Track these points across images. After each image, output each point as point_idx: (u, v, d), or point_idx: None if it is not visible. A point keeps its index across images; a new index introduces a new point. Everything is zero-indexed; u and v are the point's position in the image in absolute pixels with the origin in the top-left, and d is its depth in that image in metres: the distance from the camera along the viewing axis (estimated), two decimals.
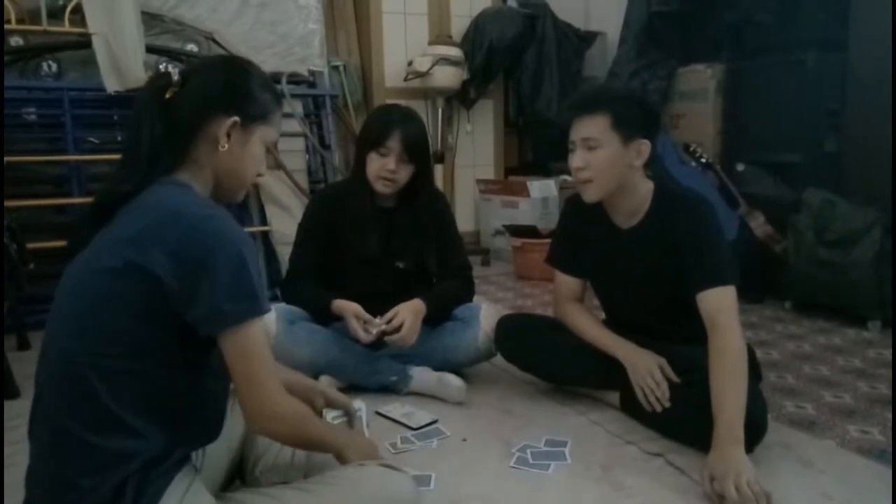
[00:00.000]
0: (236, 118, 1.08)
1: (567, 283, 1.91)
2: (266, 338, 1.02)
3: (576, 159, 1.67)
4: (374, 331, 1.88)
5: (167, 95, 1.06)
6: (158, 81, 1.08)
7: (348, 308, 1.91)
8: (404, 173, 1.96)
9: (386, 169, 1.93)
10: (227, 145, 1.08)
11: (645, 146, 1.65)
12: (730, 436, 1.41)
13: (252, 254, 1.00)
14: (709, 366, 1.51)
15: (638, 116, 1.64)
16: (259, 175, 1.18)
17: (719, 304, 1.57)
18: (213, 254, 0.95)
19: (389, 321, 1.89)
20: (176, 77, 1.07)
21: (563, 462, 1.58)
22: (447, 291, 2.08)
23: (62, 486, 0.95)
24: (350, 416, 1.40)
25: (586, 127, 1.64)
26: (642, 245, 1.72)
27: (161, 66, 3.31)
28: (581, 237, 1.85)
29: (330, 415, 1.37)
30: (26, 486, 1.01)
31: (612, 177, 1.66)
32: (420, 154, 1.98)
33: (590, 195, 1.70)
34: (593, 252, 1.83)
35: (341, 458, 1.19)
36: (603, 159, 1.63)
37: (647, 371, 1.67)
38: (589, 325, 1.85)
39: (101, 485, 0.94)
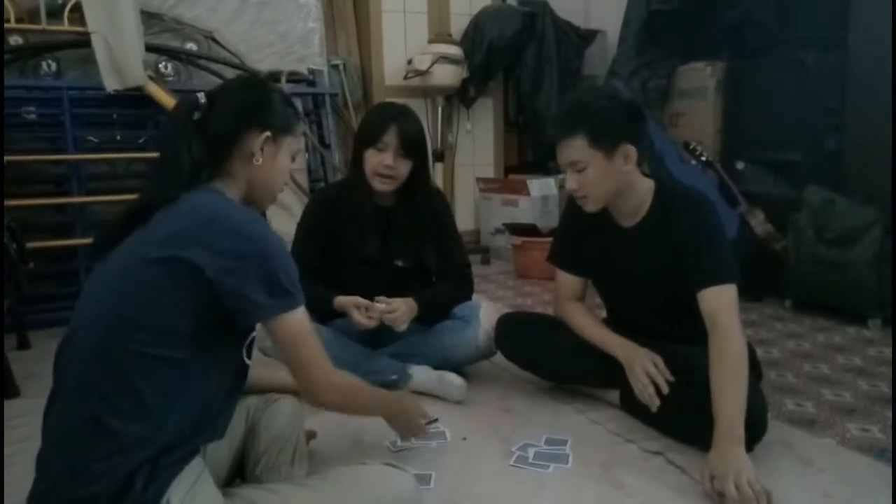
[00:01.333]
0: (268, 133, 1.17)
1: (568, 281, 1.91)
2: (307, 325, 1.12)
3: (569, 182, 1.68)
4: (376, 314, 1.89)
5: (195, 117, 1.15)
6: (188, 104, 1.16)
7: (348, 300, 1.91)
8: (402, 169, 1.96)
9: (384, 164, 1.93)
10: (261, 159, 1.17)
11: (630, 150, 1.63)
12: (730, 435, 1.41)
13: (284, 253, 1.09)
14: (709, 365, 1.52)
15: (614, 125, 1.62)
16: (286, 184, 1.27)
17: (719, 303, 1.57)
18: (255, 252, 1.04)
19: (388, 304, 1.91)
20: (203, 100, 1.16)
21: (564, 460, 1.58)
22: (441, 293, 2.08)
23: (76, 471, 0.97)
24: None
25: (568, 151, 1.64)
26: (644, 244, 1.72)
27: (161, 66, 3.31)
28: (582, 236, 1.85)
29: None
30: (37, 470, 1.02)
31: (607, 188, 1.66)
32: (417, 149, 1.97)
33: (590, 207, 1.71)
34: (594, 250, 1.83)
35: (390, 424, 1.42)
36: (593, 177, 1.63)
37: (643, 367, 1.67)
38: (588, 323, 1.85)
39: (114, 471, 0.96)
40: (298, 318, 1.11)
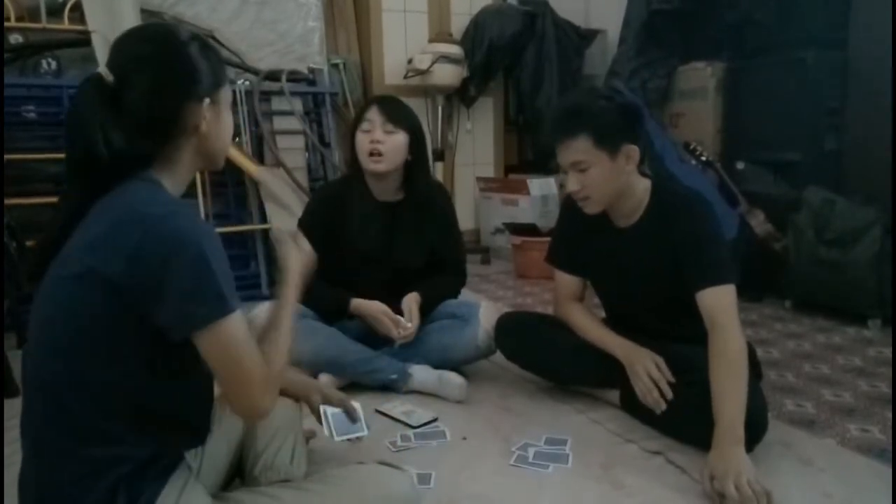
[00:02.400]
0: (207, 98, 1.02)
1: (567, 282, 1.91)
2: (244, 333, 0.96)
3: (570, 183, 1.67)
4: (404, 332, 1.95)
5: (103, 100, 0.96)
6: (93, 86, 0.97)
7: (375, 307, 1.97)
8: (391, 144, 1.98)
9: (371, 141, 1.96)
10: (206, 126, 1.03)
11: (633, 150, 1.64)
12: (730, 435, 1.41)
13: (216, 249, 0.94)
14: (709, 365, 1.52)
15: (618, 124, 1.62)
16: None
17: (718, 303, 1.57)
18: (173, 256, 0.89)
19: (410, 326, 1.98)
20: (110, 77, 0.97)
21: (564, 460, 1.58)
22: (440, 288, 2.12)
23: (50, 494, 0.94)
24: (348, 412, 1.39)
25: (571, 152, 1.63)
26: (641, 244, 1.72)
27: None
28: (580, 236, 1.85)
29: (329, 411, 1.37)
30: (19, 491, 0.99)
31: (610, 189, 1.66)
32: (404, 123, 2.00)
33: (592, 209, 1.70)
34: (592, 251, 1.83)
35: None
36: (596, 177, 1.63)
37: (645, 369, 1.67)
38: (588, 323, 1.85)
39: (88, 492, 0.92)
40: (236, 325, 0.94)
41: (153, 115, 0.98)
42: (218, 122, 1.06)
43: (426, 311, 2.06)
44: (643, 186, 1.73)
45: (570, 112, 1.65)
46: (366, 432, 1.41)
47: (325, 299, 2.03)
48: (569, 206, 1.89)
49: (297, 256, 1.24)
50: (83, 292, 0.91)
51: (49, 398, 0.94)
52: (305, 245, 1.34)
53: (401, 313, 2.00)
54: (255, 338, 1.02)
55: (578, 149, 1.61)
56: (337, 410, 1.39)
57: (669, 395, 1.63)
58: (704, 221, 1.66)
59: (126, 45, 1.01)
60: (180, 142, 1.02)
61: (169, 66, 1.00)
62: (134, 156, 0.97)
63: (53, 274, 0.96)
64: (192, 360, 0.97)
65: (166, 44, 1.01)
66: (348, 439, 1.38)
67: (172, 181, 1.03)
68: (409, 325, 1.96)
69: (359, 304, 1.99)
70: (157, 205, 0.94)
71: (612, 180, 1.64)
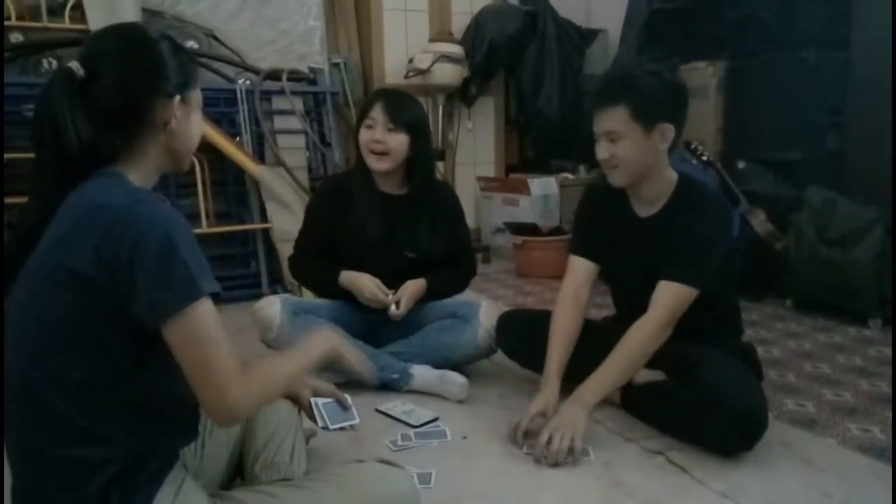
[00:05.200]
0: (178, 96, 1.03)
1: (578, 268, 1.84)
2: (215, 321, 0.93)
3: (600, 150, 1.66)
4: (390, 297, 1.99)
5: (74, 92, 0.97)
6: (63, 77, 0.98)
7: (362, 277, 2.00)
8: (393, 143, 1.98)
9: (373, 140, 1.97)
10: (176, 124, 1.03)
11: (669, 130, 1.62)
12: (582, 396, 1.60)
13: (184, 233, 0.93)
14: (622, 337, 1.63)
15: (658, 101, 1.61)
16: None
17: (666, 297, 1.62)
18: (138, 243, 0.88)
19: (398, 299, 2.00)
20: (81, 71, 0.97)
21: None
22: (447, 277, 2.14)
23: (40, 502, 0.94)
24: (339, 401, 1.40)
25: (607, 119, 1.62)
26: (659, 235, 1.70)
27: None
28: (599, 221, 1.83)
29: (321, 402, 1.38)
30: (12, 499, 0.98)
31: (638, 163, 1.65)
32: (407, 123, 1.99)
33: (617, 180, 1.69)
34: (610, 237, 1.81)
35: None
36: (626, 149, 1.62)
37: (559, 435, 1.54)
38: (555, 344, 1.75)
39: (79, 497, 0.92)
40: (208, 311, 0.92)
41: (119, 107, 0.98)
42: (187, 121, 1.06)
43: (430, 299, 2.09)
44: (671, 177, 1.71)
45: (614, 81, 1.66)
46: (357, 420, 1.41)
47: (314, 271, 2.11)
48: (587, 195, 1.91)
49: (329, 343, 1.23)
50: (58, 291, 0.91)
51: (36, 407, 0.92)
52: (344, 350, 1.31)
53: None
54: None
55: (614, 118, 1.61)
56: (328, 400, 1.39)
57: (558, 459, 1.54)
58: (715, 226, 1.65)
59: (97, 41, 1.04)
60: (146, 137, 1.02)
61: (136, 59, 1.00)
62: (100, 148, 0.97)
63: (26, 275, 0.95)
64: (164, 351, 0.94)
65: (134, 39, 1.03)
66: (342, 427, 1.39)
67: (138, 177, 1.02)
68: (394, 306, 1.99)
69: (348, 274, 2.02)
70: (121, 194, 0.94)
71: (642, 155, 1.63)
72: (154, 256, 0.89)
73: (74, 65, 0.98)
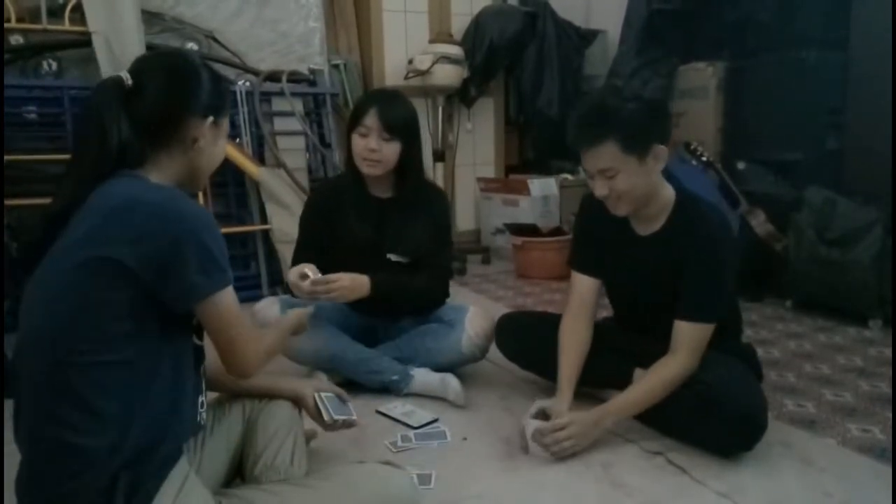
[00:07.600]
0: (212, 118, 1.13)
1: (583, 286, 1.82)
2: (237, 303, 1.09)
3: (598, 188, 1.61)
4: (309, 276, 1.84)
5: (122, 98, 1.08)
6: (113, 84, 1.08)
7: (295, 269, 1.88)
8: (387, 151, 1.95)
9: (367, 148, 1.94)
10: (203, 144, 1.13)
11: (662, 150, 1.58)
12: (604, 418, 1.61)
13: (214, 228, 1.04)
14: (650, 370, 1.63)
15: (646, 126, 1.55)
16: None
17: (690, 337, 1.61)
18: (178, 234, 0.99)
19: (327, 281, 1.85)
20: (129, 81, 1.08)
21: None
22: (406, 282, 2.01)
23: (48, 492, 0.95)
24: (339, 396, 1.48)
25: (597, 158, 1.56)
26: (659, 253, 1.68)
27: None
28: (599, 237, 1.80)
29: (324, 395, 1.44)
30: (16, 492, 1.00)
31: (640, 191, 1.61)
32: (401, 131, 1.95)
33: (621, 211, 1.65)
34: (609, 253, 1.79)
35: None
36: (624, 182, 1.57)
37: (572, 442, 1.58)
38: (565, 363, 1.75)
39: (86, 488, 0.94)
40: (232, 296, 1.07)
41: (156, 118, 1.08)
42: (214, 143, 1.16)
43: (385, 301, 1.99)
44: (668, 194, 1.68)
45: (595, 117, 1.57)
46: (355, 417, 1.48)
47: None
48: (585, 206, 1.85)
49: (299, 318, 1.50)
50: (91, 276, 0.96)
51: (57, 390, 0.95)
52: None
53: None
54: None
55: (605, 155, 1.54)
56: (331, 394, 1.46)
57: (545, 451, 1.59)
58: (717, 251, 1.61)
59: (148, 59, 1.18)
60: (175, 150, 1.11)
61: (179, 78, 1.12)
62: (130, 153, 1.06)
63: (52, 265, 1.00)
64: (181, 340, 1.08)
65: (180, 62, 1.17)
66: (344, 420, 1.44)
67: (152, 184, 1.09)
68: (312, 276, 1.84)
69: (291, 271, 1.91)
70: (153, 192, 1.04)
71: (642, 183, 1.59)
72: (195, 248, 1.00)
73: (125, 74, 1.09)
